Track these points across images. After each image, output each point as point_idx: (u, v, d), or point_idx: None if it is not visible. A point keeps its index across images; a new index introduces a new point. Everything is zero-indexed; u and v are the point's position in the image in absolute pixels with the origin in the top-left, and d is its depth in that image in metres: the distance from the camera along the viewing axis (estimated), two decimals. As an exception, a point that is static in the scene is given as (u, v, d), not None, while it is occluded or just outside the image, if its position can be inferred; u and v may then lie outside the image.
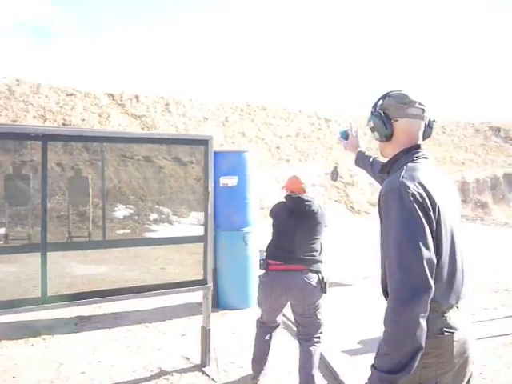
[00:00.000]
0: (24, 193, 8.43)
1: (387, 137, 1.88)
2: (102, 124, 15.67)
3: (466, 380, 1.79)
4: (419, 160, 1.81)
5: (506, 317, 5.40)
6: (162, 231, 11.21)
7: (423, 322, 1.56)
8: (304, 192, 3.63)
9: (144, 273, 6.96)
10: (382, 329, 1.62)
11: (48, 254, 3.46)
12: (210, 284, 4.04)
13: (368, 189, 16.03)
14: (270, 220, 3.75)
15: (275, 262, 3.53)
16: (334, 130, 19.19)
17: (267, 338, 3.74)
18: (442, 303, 1.70)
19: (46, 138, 3.28)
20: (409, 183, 1.67)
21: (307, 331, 3.54)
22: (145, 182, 12.89)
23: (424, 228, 1.62)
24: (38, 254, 3.43)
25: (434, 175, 1.80)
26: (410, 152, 1.84)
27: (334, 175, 9.81)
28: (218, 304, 5.67)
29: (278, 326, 3.81)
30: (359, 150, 2.77)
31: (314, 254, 3.52)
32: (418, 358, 1.56)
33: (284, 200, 3.69)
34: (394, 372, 1.55)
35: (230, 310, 5.58)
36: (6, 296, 4.85)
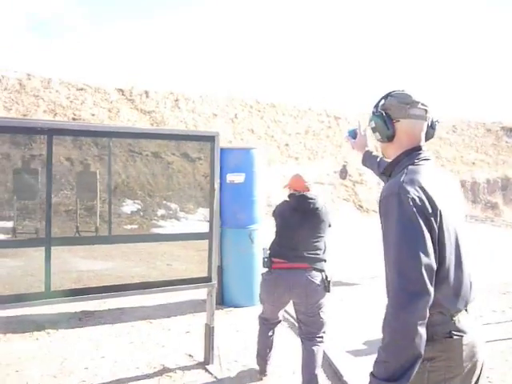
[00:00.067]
0: (32, 187, 8.46)
1: (389, 138, 1.83)
2: (112, 119, 15.70)
3: None
4: (421, 162, 1.77)
5: (514, 319, 5.33)
6: (169, 227, 11.22)
7: (422, 330, 1.53)
8: (308, 190, 3.62)
9: (150, 268, 6.97)
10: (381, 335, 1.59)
11: (53, 248, 3.46)
12: (215, 281, 4.01)
13: (376, 188, 15.92)
14: (275, 220, 3.73)
15: (279, 260, 3.52)
16: (343, 128, 19.08)
17: (270, 333, 3.78)
18: (449, 307, 1.67)
19: (52, 132, 3.27)
20: (409, 187, 1.64)
21: (310, 330, 3.52)
22: (153, 178, 12.90)
23: (423, 234, 1.58)
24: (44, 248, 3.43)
25: (436, 177, 1.76)
26: (412, 154, 1.79)
27: (343, 173, 9.74)
28: (223, 301, 5.65)
29: (279, 321, 3.83)
30: (367, 149, 2.74)
31: (317, 252, 3.51)
32: (417, 366, 1.53)
33: (287, 199, 3.67)
34: (392, 380, 1.52)
35: (235, 307, 5.56)
36: (13, 290, 4.89)
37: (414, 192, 1.62)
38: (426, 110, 1.81)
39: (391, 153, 1.87)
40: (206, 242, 4.01)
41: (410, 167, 1.74)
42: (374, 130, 1.86)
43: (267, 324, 3.78)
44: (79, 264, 6.79)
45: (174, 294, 5.35)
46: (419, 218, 1.59)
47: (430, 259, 1.56)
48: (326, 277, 3.47)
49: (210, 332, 4.02)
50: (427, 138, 1.88)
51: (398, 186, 1.65)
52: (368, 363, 1.62)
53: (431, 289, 1.55)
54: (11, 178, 10.03)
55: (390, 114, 1.81)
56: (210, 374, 3.91)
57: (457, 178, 18.03)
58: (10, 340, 4.54)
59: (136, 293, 3.85)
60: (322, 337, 3.54)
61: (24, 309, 4.39)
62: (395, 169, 1.83)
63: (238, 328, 4.95)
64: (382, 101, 1.86)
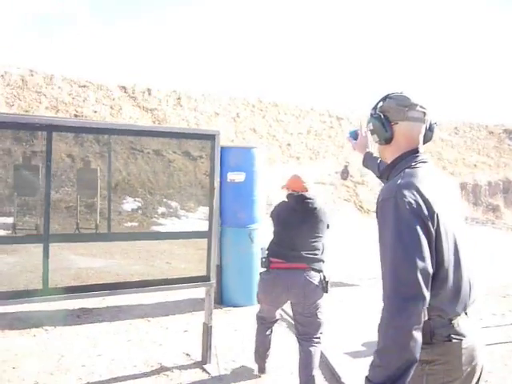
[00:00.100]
0: (33, 183, 8.44)
1: (387, 140, 1.81)
2: (114, 116, 15.69)
3: None
4: (418, 165, 1.75)
5: (514, 323, 5.30)
6: (169, 225, 11.21)
7: (417, 334, 1.51)
8: (306, 190, 3.61)
9: (149, 267, 6.96)
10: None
11: (53, 245, 3.45)
12: (213, 281, 4.00)
13: (377, 189, 15.89)
14: (272, 221, 3.73)
15: (277, 260, 3.51)
16: (345, 128, 19.05)
17: (268, 332, 3.81)
18: (448, 311, 1.66)
19: (51, 129, 3.25)
20: (405, 191, 1.62)
21: (307, 331, 3.50)
22: (154, 176, 12.89)
23: (419, 238, 1.57)
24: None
25: (434, 180, 1.75)
26: (409, 157, 1.78)
27: (344, 174, 9.78)
28: (221, 301, 5.63)
29: (276, 321, 3.85)
30: (368, 150, 2.72)
31: (316, 252, 3.50)
32: (412, 371, 1.51)
33: (286, 199, 3.67)
34: None
35: (234, 307, 5.54)
36: (12, 286, 4.87)
37: (410, 195, 1.61)
38: (424, 113, 1.80)
39: (389, 155, 1.85)
40: (206, 240, 3.99)
41: (406, 170, 1.73)
42: (372, 132, 1.84)
43: (265, 323, 3.79)
44: (78, 261, 6.78)
45: (172, 292, 5.33)
46: (415, 221, 1.58)
47: (425, 263, 1.55)
48: (324, 277, 3.47)
49: (207, 331, 4.00)
50: (425, 141, 1.86)
51: (395, 190, 1.64)
52: (366, 365, 1.62)
53: (427, 293, 1.54)
54: (12, 173, 10.02)
55: (389, 116, 1.79)
56: (208, 373, 3.89)
57: (458, 180, 18.01)
58: (8, 336, 4.53)
59: (134, 291, 3.84)
60: (319, 337, 3.53)
61: (22, 305, 4.39)
62: (392, 172, 1.81)
63: (236, 327, 4.93)
64: (381, 103, 1.84)
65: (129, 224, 10.86)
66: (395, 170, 1.79)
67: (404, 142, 1.80)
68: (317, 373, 3.50)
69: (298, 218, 3.51)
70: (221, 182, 5.48)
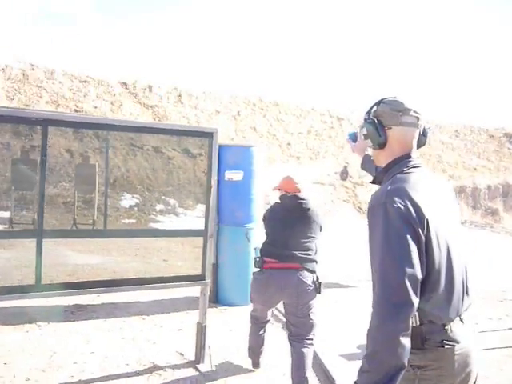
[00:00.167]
0: (30, 177, 8.40)
1: (380, 145, 1.80)
2: (114, 112, 15.64)
3: None
4: (410, 170, 1.75)
5: (510, 328, 5.27)
6: (167, 222, 11.18)
7: (404, 340, 1.51)
8: (299, 191, 3.62)
9: (146, 264, 6.93)
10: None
11: (49, 240, 3.41)
12: (208, 280, 3.96)
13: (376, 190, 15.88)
14: (265, 222, 3.73)
15: (270, 260, 3.51)
16: (346, 129, 19.02)
17: (261, 332, 3.85)
18: (440, 316, 1.65)
19: (47, 123, 3.21)
20: (395, 197, 1.62)
21: (300, 332, 3.49)
22: (153, 173, 12.85)
23: (408, 244, 1.56)
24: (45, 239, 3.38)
25: (426, 185, 1.73)
26: (401, 162, 1.77)
27: (344, 174, 9.75)
28: (217, 300, 5.61)
29: (268, 321, 3.87)
30: (366, 153, 2.70)
31: (309, 252, 3.50)
32: (400, 376, 1.51)
33: (279, 201, 3.69)
34: None
35: (230, 306, 5.51)
36: (6, 281, 4.83)
37: (399, 201, 1.60)
38: (417, 118, 1.79)
39: (383, 160, 1.85)
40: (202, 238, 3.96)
41: (398, 175, 1.73)
42: (365, 136, 1.83)
43: (257, 323, 3.82)
44: (75, 257, 6.74)
45: (168, 290, 5.27)
46: (404, 227, 1.57)
47: (414, 269, 1.55)
48: (317, 278, 3.47)
49: (201, 331, 3.96)
50: (419, 146, 1.86)
51: (384, 196, 1.64)
52: (361, 368, 1.59)
53: (415, 299, 1.53)
54: (10, 168, 9.97)
55: (382, 121, 1.79)
56: (201, 372, 3.85)
57: (458, 183, 17.98)
58: (1, 331, 4.49)
59: (129, 289, 3.81)
60: (311, 339, 3.52)
61: (16, 301, 4.35)
62: (385, 176, 1.81)
63: (231, 327, 4.90)
64: (374, 107, 1.84)
65: (126, 221, 10.82)
66: (388, 175, 1.79)
67: (397, 146, 1.79)
68: (310, 374, 3.48)
69: (292, 219, 3.52)
70: (219, 181, 5.44)
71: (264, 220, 3.73)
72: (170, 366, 3.94)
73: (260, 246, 3.70)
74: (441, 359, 1.64)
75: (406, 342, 1.51)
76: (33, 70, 15.57)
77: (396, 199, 1.61)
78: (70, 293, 3.64)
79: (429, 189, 1.72)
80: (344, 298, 6.15)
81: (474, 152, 21.67)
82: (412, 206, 1.60)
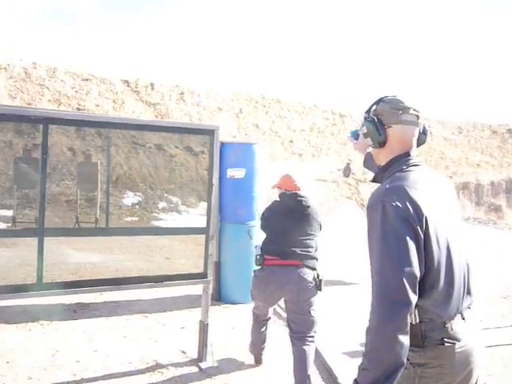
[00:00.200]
0: (33, 176, 8.40)
1: (380, 143, 1.81)
2: (116, 110, 15.64)
3: None
4: (409, 168, 1.75)
5: (513, 325, 5.24)
6: (170, 220, 11.16)
7: (402, 338, 1.52)
8: (298, 189, 3.65)
9: (148, 262, 6.92)
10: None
11: (51, 239, 3.41)
12: (210, 278, 3.95)
13: (380, 187, 15.82)
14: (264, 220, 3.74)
15: (271, 257, 3.53)
16: (348, 126, 18.99)
17: (263, 329, 3.88)
18: (440, 314, 1.65)
19: (47, 121, 3.20)
20: (393, 195, 1.63)
21: (301, 329, 3.49)
22: (155, 170, 12.84)
23: (405, 242, 1.57)
24: (47, 238, 3.37)
25: (426, 183, 1.73)
26: (400, 160, 1.78)
27: (347, 171, 9.71)
28: (220, 297, 5.60)
29: (269, 318, 3.90)
30: (368, 151, 2.69)
31: (309, 249, 3.52)
32: (399, 374, 1.52)
33: (278, 199, 3.72)
34: None
35: (232, 304, 5.50)
36: (10, 280, 4.83)
37: (397, 199, 1.61)
38: (417, 116, 1.80)
39: (383, 159, 1.85)
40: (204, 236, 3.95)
41: (397, 174, 1.73)
42: (365, 135, 1.83)
43: (259, 321, 3.85)
44: (78, 256, 6.75)
45: (171, 288, 5.28)
46: (402, 225, 1.58)
47: (412, 267, 1.55)
48: (318, 275, 3.49)
49: (204, 329, 3.96)
50: (419, 144, 1.86)
51: (382, 194, 1.65)
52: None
53: (413, 297, 1.54)
54: (12, 166, 9.97)
55: (382, 119, 1.79)
56: (203, 371, 3.85)
57: (461, 179, 17.92)
58: (3, 330, 4.49)
59: (131, 287, 3.79)
60: (312, 336, 3.52)
61: (19, 299, 4.35)
62: (385, 175, 1.81)
63: (233, 325, 4.89)
64: (374, 106, 1.84)
65: (129, 219, 10.82)
66: (387, 174, 1.79)
67: (397, 145, 1.79)
68: (312, 372, 3.48)
69: (291, 216, 3.54)
70: (221, 178, 5.43)
71: (262, 218, 3.75)
72: (172, 364, 3.94)
73: (260, 243, 3.71)
74: (441, 357, 1.63)
75: (405, 339, 1.52)
76: (35, 68, 15.56)
77: (394, 197, 1.61)
78: (72, 291, 3.64)
79: (428, 187, 1.72)
80: (347, 295, 6.14)
81: (477, 148, 21.60)
82: (410, 204, 1.60)
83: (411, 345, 1.58)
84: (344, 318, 5.18)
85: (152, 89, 16.95)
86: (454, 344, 1.63)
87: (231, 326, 4.87)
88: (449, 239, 1.68)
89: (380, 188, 1.72)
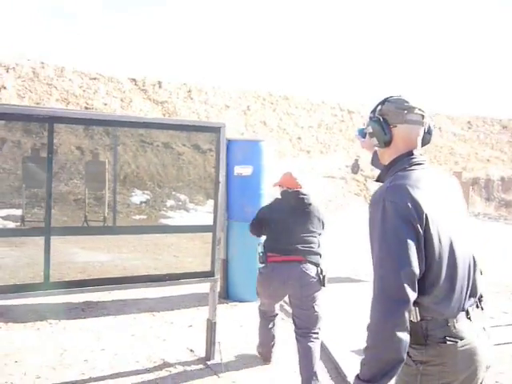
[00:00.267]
0: (41, 175, 8.42)
1: (386, 143, 1.81)
2: (124, 109, 15.66)
3: None
4: (412, 167, 1.76)
5: (525, 322, 5.18)
6: (178, 218, 11.18)
7: (401, 334, 1.54)
8: (300, 187, 3.69)
9: (156, 260, 6.92)
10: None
11: (59, 238, 3.41)
12: (217, 276, 3.93)
13: (389, 183, 15.74)
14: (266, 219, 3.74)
15: (274, 254, 3.55)
16: (356, 122, 18.91)
17: (270, 326, 3.88)
18: (441, 311, 1.65)
19: (53, 120, 3.20)
20: (393, 194, 1.65)
21: (305, 325, 3.49)
22: (163, 169, 12.85)
23: (404, 240, 1.58)
24: (54, 237, 3.37)
25: (430, 181, 1.73)
26: (403, 159, 1.79)
27: (355, 168, 9.65)
28: (227, 295, 5.58)
29: (276, 315, 3.91)
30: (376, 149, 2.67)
31: (312, 245, 3.55)
32: (399, 369, 1.55)
33: (279, 197, 3.76)
34: (368, 381, 1.55)
35: (240, 302, 5.48)
36: (19, 279, 4.85)
37: (397, 198, 1.63)
38: (422, 116, 1.80)
39: (388, 158, 1.86)
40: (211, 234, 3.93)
41: (399, 173, 1.74)
42: (371, 135, 1.85)
43: (266, 317, 3.86)
44: (85, 254, 6.76)
45: (178, 286, 5.28)
46: (401, 223, 1.59)
47: (411, 265, 1.56)
48: (321, 271, 3.50)
49: (211, 327, 3.94)
50: (424, 144, 1.87)
51: (384, 192, 1.67)
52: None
53: (411, 295, 1.55)
54: (21, 166, 10.02)
55: (388, 119, 1.80)
56: (211, 369, 3.83)
57: (471, 175, 17.79)
58: (11, 329, 4.51)
59: (138, 286, 3.78)
60: (317, 332, 3.52)
61: (27, 298, 4.36)
62: (388, 174, 1.82)
63: (241, 323, 4.87)
64: (379, 106, 1.85)
65: (137, 217, 10.84)
66: (390, 172, 1.80)
67: (402, 144, 1.80)
68: (319, 369, 3.47)
69: (293, 213, 3.58)
70: (228, 176, 5.40)
71: (263, 214, 3.76)
72: (180, 363, 3.93)
73: (263, 241, 3.74)
74: (443, 355, 1.64)
75: (403, 336, 1.54)
76: (43, 68, 15.62)
77: (394, 196, 1.63)
78: (79, 290, 3.64)
79: (431, 185, 1.72)
80: (355, 292, 6.09)
81: (487, 143, 21.44)
82: (411, 202, 1.61)
83: (413, 342, 1.61)
84: (352, 315, 5.14)
85: (159, 87, 16.97)
86: (457, 342, 1.63)
87: (239, 324, 4.86)
88: (452, 237, 1.68)
89: (381, 187, 1.73)
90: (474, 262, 1.76)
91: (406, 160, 1.77)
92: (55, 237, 3.45)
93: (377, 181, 1.92)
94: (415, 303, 1.60)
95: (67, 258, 6.35)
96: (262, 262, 3.63)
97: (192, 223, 8.65)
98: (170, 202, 11.86)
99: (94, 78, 16.17)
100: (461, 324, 1.66)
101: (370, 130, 1.84)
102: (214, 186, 3.93)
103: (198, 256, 5.42)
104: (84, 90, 15.60)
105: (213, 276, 3.89)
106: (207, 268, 3.92)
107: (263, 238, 3.85)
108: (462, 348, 1.64)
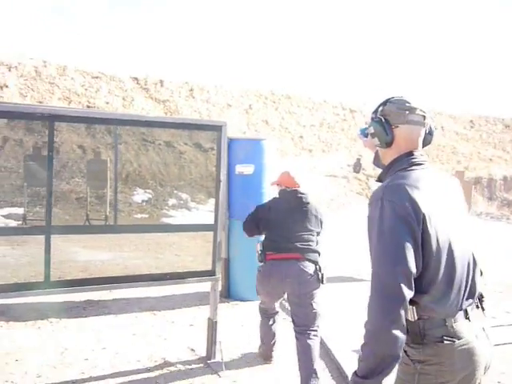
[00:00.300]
0: (43, 174, 8.40)
1: (387, 143, 1.82)
2: (126, 108, 15.66)
3: None
4: (412, 167, 1.77)
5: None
6: (179, 217, 11.17)
7: (396, 332, 1.55)
8: (298, 186, 3.72)
9: (157, 259, 6.91)
10: None
11: (60, 237, 3.39)
12: (219, 275, 3.92)
13: (391, 182, 15.70)
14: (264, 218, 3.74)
15: (272, 253, 3.57)
16: (358, 121, 18.89)
17: (271, 322, 3.89)
18: (438, 310, 1.66)
19: (53, 119, 3.18)
20: (391, 193, 1.67)
21: (303, 322, 3.50)
22: (165, 167, 12.84)
23: (401, 239, 1.60)
24: (55, 235, 3.36)
25: (428, 182, 1.73)
26: (403, 160, 1.80)
27: (357, 167, 9.64)
28: (229, 294, 5.56)
29: (277, 312, 3.92)
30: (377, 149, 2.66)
31: (310, 243, 3.57)
32: (394, 366, 1.58)
33: (277, 196, 3.78)
34: (368, 378, 1.57)
35: (241, 301, 5.46)
36: (20, 278, 4.83)
37: (395, 197, 1.64)
38: (424, 116, 1.82)
39: (389, 158, 1.86)
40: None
41: (398, 173, 1.76)
42: (373, 135, 1.86)
43: (266, 315, 3.87)
44: (87, 253, 6.75)
45: (180, 285, 5.26)
46: (399, 223, 1.61)
47: (406, 264, 1.58)
48: (320, 268, 3.51)
49: (212, 326, 3.92)
50: (425, 144, 1.88)
51: (382, 192, 1.69)
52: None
53: (407, 293, 1.57)
54: (22, 164, 10.03)
55: (389, 119, 1.81)
56: (212, 369, 3.82)
57: (473, 174, 17.75)
58: (12, 328, 4.50)
59: (139, 285, 3.76)
60: (316, 330, 3.52)
61: (28, 297, 4.35)
62: (388, 174, 1.83)
63: (243, 322, 4.85)
64: (381, 107, 1.86)
65: (139, 216, 10.83)
66: (390, 172, 1.82)
67: (404, 144, 1.81)
68: (318, 367, 3.46)
69: (292, 213, 3.60)
70: (229, 175, 5.38)
71: (258, 215, 3.76)
72: (181, 362, 3.92)
73: (262, 240, 3.75)
74: (440, 354, 1.65)
75: (399, 333, 1.55)
76: (45, 66, 15.62)
77: (392, 195, 1.65)
78: (80, 289, 3.64)
79: (430, 185, 1.73)
80: (357, 292, 6.07)
81: (490, 142, 21.39)
82: (408, 202, 1.63)
83: (411, 341, 1.65)
84: (354, 315, 5.11)
85: (161, 86, 16.96)
86: (454, 342, 1.64)
87: (240, 323, 4.84)
88: (451, 237, 1.69)
89: (380, 186, 1.75)
90: (474, 262, 1.77)
91: (405, 160, 1.79)
92: (56, 235, 3.44)
93: (378, 181, 1.93)
94: (413, 302, 1.62)
95: (68, 256, 6.34)
96: (260, 261, 3.65)
97: (194, 222, 8.65)
98: (171, 201, 11.85)
99: (96, 77, 16.17)
100: (459, 324, 1.67)
101: (371, 130, 1.85)
102: (215, 185, 3.91)
103: (200, 255, 5.41)
104: (86, 89, 15.61)
105: (214, 275, 3.88)
106: (208, 267, 3.90)
107: (262, 237, 3.85)
108: (460, 348, 1.64)
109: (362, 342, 1.62)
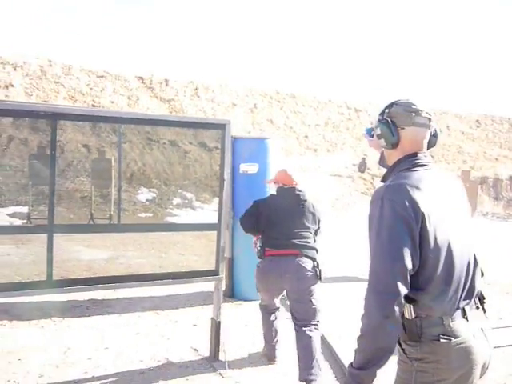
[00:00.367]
0: (47, 173, 8.40)
1: (393, 144, 1.86)
2: (131, 107, 15.67)
3: None
4: (414, 168, 1.80)
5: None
6: (184, 216, 11.16)
7: (391, 325, 1.60)
8: (296, 184, 3.76)
9: (161, 258, 6.90)
10: None
11: (64, 236, 3.38)
12: (222, 275, 3.89)
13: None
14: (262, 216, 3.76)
15: (271, 249, 3.61)
16: (363, 120, 18.83)
17: (272, 318, 3.91)
18: (435, 309, 1.68)
19: (56, 117, 3.17)
20: (391, 192, 1.70)
21: (304, 317, 3.51)
22: (169, 166, 12.83)
23: (399, 237, 1.64)
24: (59, 234, 3.35)
25: (430, 183, 1.76)
26: (406, 160, 1.83)
27: (362, 167, 9.59)
28: (232, 294, 5.54)
29: (277, 308, 3.94)
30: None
31: (308, 240, 3.61)
32: (387, 359, 1.63)
33: (275, 193, 3.84)
34: (358, 368, 1.64)
35: (245, 300, 5.43)
36: (23, 277, 4.82)
37: (395, 196, 1.68)
38: (429, 119, 1.86)
39: (394, 159, 1.89)
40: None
41: (400, 173, 1.80)
42: (379, 136, 1.89)
43: (268, 311, 3.89)
44: (90, 252, 6.75)
45: (183, 284, 5.25)
46: (398, 221, 1.64)
47: (403, 261, 1.61)
48: (318, 264, 3.55)
49: (216, 326, 3.90)
50: (429, 146, 1.92)
51: (383, 191, 1.73)
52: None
53: (402, 289, 1.61)
54: (27, 163, 10.03)
55: (396, 121, 1.85)
56: (215, 369, 3.79)
57: (479, 174, 17.67)
58: (16, 326, 4.49)
59: (142, 284, 3.74)
60: (316, 324, 3.53)
61: (31, 296, 4.34)
62: (391, 174, 1.86)
63: (246, 322, 4.83)
64: (387, 109, 1.89)
65: (143, 215, 10.83)
66: (393, 173, 1.85)
67: (409, 146, 1.84)
68: (319, 357, 3.46)
69: (289, 209, 3.65)
70: (233, 174, 5.36)
71: (256, 211, 3.78)
72: (184, 362, 3.89)
73: (261, 237, 3.77)
74: (437, 353, 1.67)
75: (393, 327, 1.61)
76: (50, 66, 15.64)
77: (393, 194, 1.69)
78: (83, 289, 3.62)
79: (433, 186, 1.76)
80: (362, 292, 6.05)
81: (496, 142, 21.28)
82: (408, 201, 1.66)
83: (408, 339, 1.70)
84: (359, 315, 5.09)
85: (166, 85, 16.95)
86: (450, 340, 1.66)
87: (244, 323, 4.82)
88: (450, 237, 1.72)
89: (381, 186, 1.79)
90: (475, 262, 1.80)
91: (409, 161, 1.82)
92: (60, 234, 3.43)
93: (382, 181, 1.95)
94: (411, 300, 1.66)
95: (72, 255, 6.33)
96: (259, 257, 3.70)
97: (198, 221, 8.63)
98: (176, 200, 11.84)
99: (101, 76, 16.18)
100: (456, 323, 1.69)
101: (378, 131, 1.89)
102: (219, 184, 3.89)
103: (204, 254, 5.39)
104: (91, 88, 15.62)
105: (217, 274, 3.85)
106: (212, 266, 3.88)
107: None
108: (457, 346, 1.66)
109: (360, 333, 1.67)
